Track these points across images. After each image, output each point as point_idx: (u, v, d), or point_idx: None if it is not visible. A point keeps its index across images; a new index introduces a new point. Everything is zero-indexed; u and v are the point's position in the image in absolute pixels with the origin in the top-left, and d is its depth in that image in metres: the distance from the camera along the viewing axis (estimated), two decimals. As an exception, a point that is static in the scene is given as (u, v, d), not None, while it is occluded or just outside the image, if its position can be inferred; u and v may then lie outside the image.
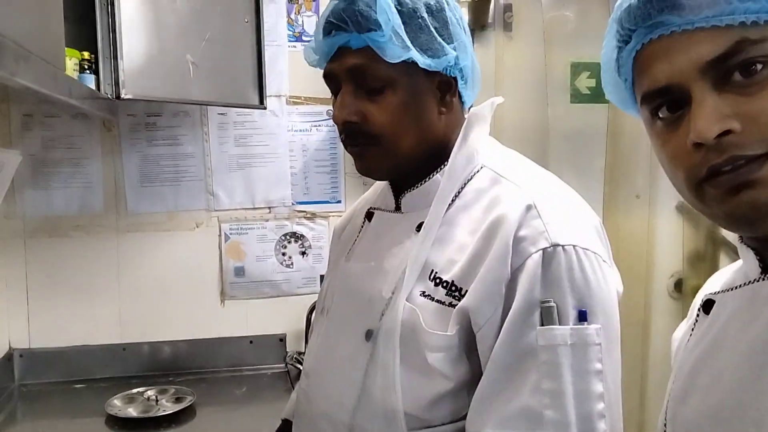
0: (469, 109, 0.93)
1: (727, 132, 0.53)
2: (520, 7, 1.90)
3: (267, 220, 1.85)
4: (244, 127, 1.80)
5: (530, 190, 0.81)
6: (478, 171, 0.87)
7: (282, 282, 1.87)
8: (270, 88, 1.66)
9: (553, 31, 1.93)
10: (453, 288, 0.79)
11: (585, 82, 2.00)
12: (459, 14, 0.88)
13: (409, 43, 0.81)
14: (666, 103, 0.58)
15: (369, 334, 0.83)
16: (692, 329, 0.68)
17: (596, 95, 2.00)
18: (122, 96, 1.28)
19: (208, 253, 1.83)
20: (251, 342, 1.86)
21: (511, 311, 0.75)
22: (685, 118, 0.56)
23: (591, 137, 2.00)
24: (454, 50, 0.84)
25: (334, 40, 0.84)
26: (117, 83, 1.27)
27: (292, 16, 1.78)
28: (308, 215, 1.87)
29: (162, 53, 1.36)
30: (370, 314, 0.84)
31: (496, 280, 0.76)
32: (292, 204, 1.86)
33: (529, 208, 0.78)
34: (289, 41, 1.77)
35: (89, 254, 1.76)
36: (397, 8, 0.82)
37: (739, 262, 0.67)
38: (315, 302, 1.24)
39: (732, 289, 0.64)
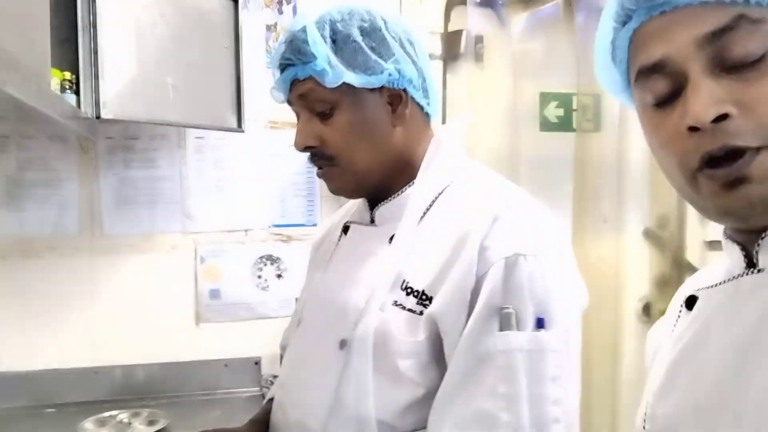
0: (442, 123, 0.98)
1: (723, 117, 0.52)
2: (490, 39, 1.97)
3: (243, 243, 1.86)
4: (221, 151, 1.83)
5: (497, 203, 0.85)
6: (448, 185, 0.91)
7: (258, 304, 1.88)
8: (248, 112, 1.69)
9: (522, 62, 2.00)
10: (423, 296, 0.83)
11: (554, 111, 2.08)
12: (400, 31, 0.93)
13: (343, 67, 0.87)
14: (663, 91, 0.57)
15: (343, 344, 0.86)
16: (674, 325, 0.68)
17: (564, 124, 2.08)
18: (102, 116, 1.30)
19: (183, 275, 1.83)
20: (226, 365, 1.85)
21: (471, 317, 0.78)
22: (680, 102, 0.55)
23: (559, 164, 2.06)
24: (395, 64, 0.89)
25: (285, 75, 0.92)
26: (97, 103, 1.30)
27: (270, 43, 1.83)
28: (284, 238, 1.89)
29: (142, 76, 1.39)
30: (344, 324, 0.87)
31: (461, 288, 0.79)
32: (269, 227, 1.88)
33: (495, 219, 0.82)
34: (268, 67, 1.81)
35: (63, 276, 1.75)
36: (332, 37, 0.89)
37: (720, 263, 0.68)
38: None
39: (715, 285, 0.63)
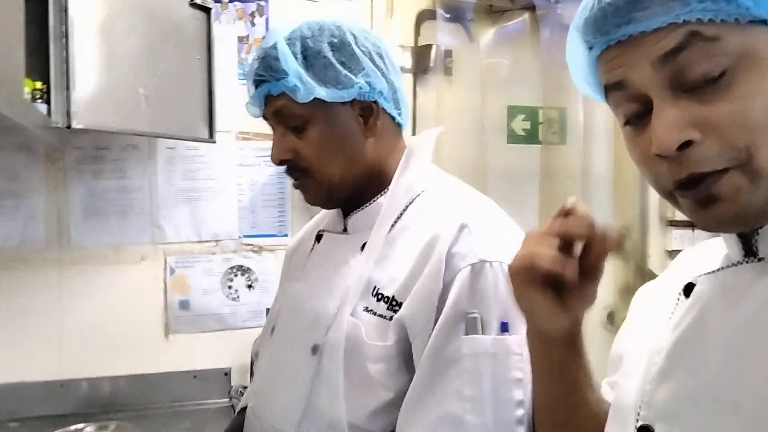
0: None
1: (687, 144, 0.53)
2: (459, 53, 2.02)
3: (214, 254, 1.86)
4: (192, 162, 1.83)
5: (465, 211, 0.88)
6: (419, 195, 0.93)
7: (228, 315, 1.87)
8: (220, 123, 1.70)
9: (490, 76, 2.06)
10: (393, 302, 0.85)
11: (520, 124, 2.13)
12: (370, 45, 0.95)
13: (314, 82, 0.90)
14: (633, 111, 0.58)
15: (315, 349, 0.87)
16: (672, 312, 0.67)
17: (530, 136, 2.13)
18: (73, 126, 1.30)
19: (153, 286, 1.82)
20: (195, 376, 1.84)
21: (439, 322, 0.81)
22: (648, 124, 0.55)
23: (526, 175, 2.12)
24: (365, 77, 0.92)
25: (260, 92, 0.94)
26: (68, 113, 1.29)
27: (242, 55, 1.84)
28: (255, 248, 1.89)
29: (114, 86, 1.39)
30: (317, 330, 0.89)
31: (429, 293, 0.82)
32: (240, 237, 1.88)
33: (462, 227, 0.84)
34: (239, 79, 1.82)
35: (29, 287, 1.72)
36: (302, 53, 0.91)
37: (711, 242, 0.69)
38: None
39: (714, 272, 0.63)
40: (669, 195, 0.58)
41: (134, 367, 1.79)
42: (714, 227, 0.57)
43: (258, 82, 0.94)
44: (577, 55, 0.64)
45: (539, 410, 0.78)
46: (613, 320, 2.22)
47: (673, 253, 2.23)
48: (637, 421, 0.64)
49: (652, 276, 2.34)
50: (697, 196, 0.54)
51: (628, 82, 0.56)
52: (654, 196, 2.28)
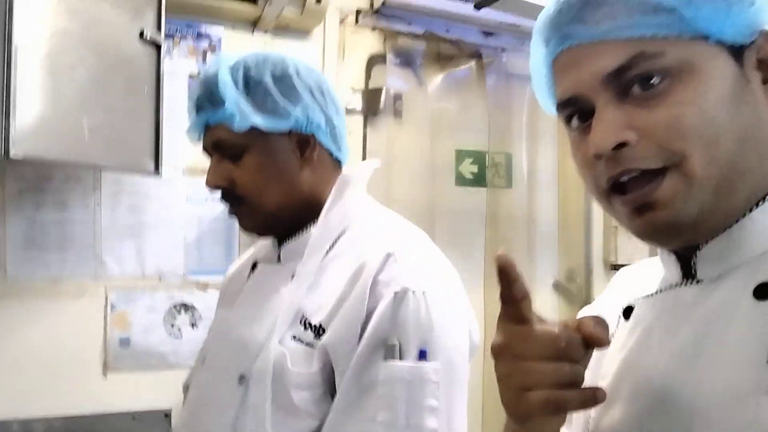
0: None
1: (623, 144, 0.55)
2: (409, 97, 2.08)
3: (157, 290, 1.83)
4: (138, 196, 1.81)
5: (392, 241, 0.90)
6: (350, 226, 0.95)
7: (169, 354, 1.83)
8: (167, 158, 1.69)
9: (438, 119, 2.11)
10: (320, 330, 0.86)
11: (468, 168, 2.18)
12: (312, 80, 0.98)
13: (251, 111, 0.92)
14: (577, 113, 0.60)
15: (242, 379, 0.87)
16: (612, 335, 0.67)
17: (478, 180, 2.18)
18: (12, 155, 1.28)
19: (92, 322, 1.77)
20: (134, 417, 1.78)
21: (359, 348, 0.82)
22: (590, 129, 0.58)
23: (473, 218, 2.16)
24: (303, 110, 0.94)
25: (198, 120, 0.97)
26: (7, 141, 1.27)
27: (193, 91, 1.85)
28: (200, 285, 1.87)
29: (57, 116, 1.38)
30: (244, 359, 0.89)
31: (353, 320, 0.83)
32: (184, 274, 1.85)
33: (388, 255, 0.86)
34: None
35: (-40, 322, 1.66)
36: (244, 80, 0.94)
37: (648, 262, 0.70)
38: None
39: (652, 295, 0.64)
40: (605, 197, 0.60)
41: (70, 408, 1.72)
42: (648, 235, 0.59)
43: (197, 109, 0.95)
44: (537, 59, 0.66)
45: None
46: (559, 362, 2.25)
47: (617, 297, 2.28)
48: None
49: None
50: (634, 200, 0.56)
51: (577, 96, 0.59)
52: (598, 241, 2.35)
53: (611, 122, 0.56)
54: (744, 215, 0.57)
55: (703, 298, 0.58)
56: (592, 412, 0.65)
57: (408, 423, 0.79)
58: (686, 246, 0.60)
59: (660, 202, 0.55)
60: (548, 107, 0.69)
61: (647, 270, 0.70)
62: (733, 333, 0.55)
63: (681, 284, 0.61)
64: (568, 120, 0.62)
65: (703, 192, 0.55)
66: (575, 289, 2.34)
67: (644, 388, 0.60)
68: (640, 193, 0.56)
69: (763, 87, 0.58)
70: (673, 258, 0.62)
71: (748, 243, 0.57)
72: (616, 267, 2.34)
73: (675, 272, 0.62)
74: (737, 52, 0.57)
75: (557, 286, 2.35)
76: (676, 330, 0.59)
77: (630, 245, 2.27)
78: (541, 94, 0.69)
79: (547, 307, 2.25)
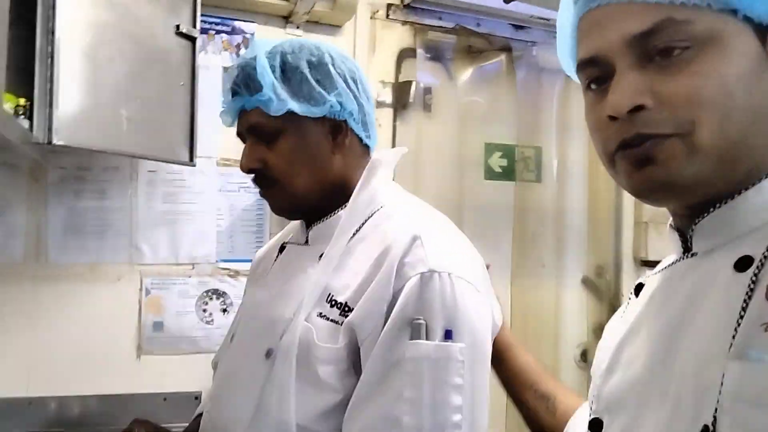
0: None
1: (639, 108, 0.56)
2: (438, 91, 2.09)
3: (190, 276, 1.88)
4: (173, 185, 1.87)
5: (418, 224, 0.92)
6: (378, 210, 0.98)
7: (201, 338, 1.89)
8: (201, 148, 1.74)
9: (468, 113, 2.12)
10: (345, 308, 0.88)
11: (497, 161, 2.19)
12: (346, 69, 1.01)
13: (288, 96, 0.95)
14: (596, 75, 0.61)
15: (269, 353, 0.90)
16: (623, 311, 0.72)
17: (507, 173, 2.19)
18: (54, 142, 1.33)
19: (127, 306, 1.83)
20: (165, 399, 1.84)
21: (385, 327, 0.84)
22: (608, 91, 0.59)
23: (501, 211, 2.16)
24: (337, 97, 0.97)
25: (234, 105, 0.99)
26: (50, 129, 1.33)
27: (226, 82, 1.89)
28: (231, 273, 1.92)
29: (97, 106, 1.43)
30: (271, 335, 0.92)
31: (379, 300, 0.85)
32: (216, 261, 1.90)
33: (414, 238, 0.88)
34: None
35: (3, 302, 1.73)
36: (281, 67, 0.96)
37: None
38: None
39: (659, 271, 0.67)
40: (610, 159, 0.61)
41: (104, 387, 1.79)
42: (644, 192, 0.61)
43: (233, 92, 0.99)
44: (564, 17, 0.67)
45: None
46: (586, 358, 2.24)
47: (646, 294, 2.26)
48: (590, 414, 0.68)
49: (624, 314, 2.37)
50: (635, 155, 0.58)
51: (599, 56, 0.60)
52: (628, 237, 2.33)
53: (631, 85, 0.56)
54: (740, 192, 0.59)
55: (693, 269, 0.62)
56: (598, 380, 0.69)
57: (433, 400, 0.81)
58: (687, 219, 0.62)
59: (659, 159, 0.57)
60: (568, 68, 0.70)
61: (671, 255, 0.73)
62: (713, 302, 0.57)
63: (680, 259, 0.64)
64: (588, 85, 0.63)
65: (705, 160, 0.57)
66: (604, 285, 2.32)
67: (634, 361, 0.63)
68: (644, 147, 0.57)
69: None
70: (676, 235, 0.65)
71: (740, 219, 0.59)
72: (646, 263, 2.32)
73: (678, 248, 0.65)
74: (762, 31, 0.58)
75: (586, 282, 2.33)
76: (667, 303, 0.62)
77: (660, 241, 2.25)
78: (563, 53, 0.70)
79: (574, 304, 2.24)
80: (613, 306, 2.29)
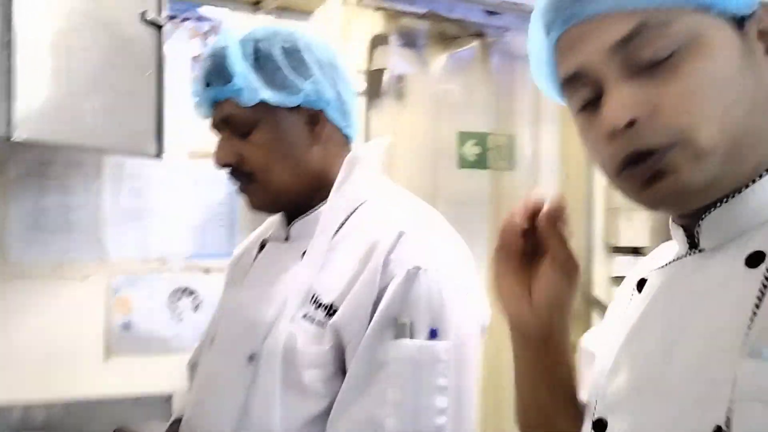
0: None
1: (635, 121, 0.55)
2: (411, 79, 2.06)
3: (159, 274, 1.82)
4: (140, 180, 1.79)
5: (404, 219, 0.89)
6: (361, 204, 0.94)
7: (171, 338, 1.83)
8: (170, 141, 1.67)
9: (441, 101, 2.10)
10: (331, 309, 0.85)
11: (471, 150, 2.17)
12: (321, 55, 0.96)
13: (260, 85, 0.90)
14: (587, 96, 0.60)
15: (251, 358, 0.87)
16: (627, 307, 0.69)
17: (481, 161, 2.17)
18: (14, 137, 1.26)
19: (94, 306, 1.76)
20: (136, 402, 1.78)
21: (370, 326, 0.82)
22: (600, 109, 0.58)
23: (475, 200, 2.15)
24: (313, 85, 0.93)
25: (206, 96, 0.94)
26: (9, 124, 1.25)
27: (196, 73, 1.82)
28: (203, 269, 1.86)
29: (59, 99, 1.36)
30: (254, 338, 0.88)
31: (365, 299, 0.83)
32: (187, 258, 1.84)
33: (400, 234, 0.85)
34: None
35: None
36: (254, 54, 0.92)
37: (671, 246, 0.71)
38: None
39: (663, 267, 0.65)
40: (616, 177, 0.60)
41: (71, 391, 1.72)
42: (656, 204, 0.60)
43: (205, 83, 0.94)
44: (537, 44, 0.66)
45: (518, 411, 0.79)
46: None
47: (617, 279, 2.29)
48: (594, 415, 0.66)
49: (596, 302, 2.40)
50: (643, 173, 0.57)
51: (583, 70, 0.59)
52: (599, 223, 2.35)
53: (622, 100, 0.56)
54: (747, 186, 0.58)
55: (700, 266, 0.61)
56: (602, 379, 0.67)
57: (416, 402, 0.79)
58: (692, 215, 0.61)
59: (667, 172, 0.56)
60: (551, 93, 0.69)
61: (667, 249, 0.71)
62: (723, 299, 0.57)
63: (687, 255, 0.63)
64: (579, 108, 0.62)
65: (713, 162, 0.56)
66: (576, 272, 2.34)
67: (637, 361, 0.62)
68: (649, 163, 0.56)
69: (766, 57, 0.59)
70: (680, 231, 0.64)
71: (748, 214, 0.58)
72: (617, 249, 2.35)
73: (683, 244, 0.64)
74: (738, 23, 0.58)
75: (558, 269, 2.34)
76: (672, 301, 0.61)
77: (631, 228, 2.28)
78: (542, 80, 0.69)
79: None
80: (585, 293, 2.32)
